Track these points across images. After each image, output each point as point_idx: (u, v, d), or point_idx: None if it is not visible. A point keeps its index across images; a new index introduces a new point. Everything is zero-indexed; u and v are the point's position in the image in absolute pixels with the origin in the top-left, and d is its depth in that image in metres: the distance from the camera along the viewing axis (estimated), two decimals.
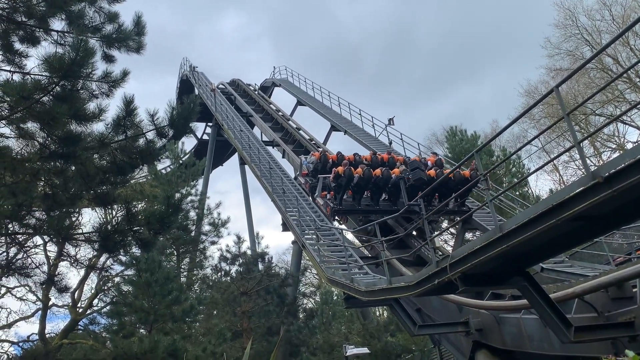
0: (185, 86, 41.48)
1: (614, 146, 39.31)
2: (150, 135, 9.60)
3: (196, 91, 36.88)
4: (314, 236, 16.78)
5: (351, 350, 15.27)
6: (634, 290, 11.22)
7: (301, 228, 17.76)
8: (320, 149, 23.23)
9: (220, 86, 38.51)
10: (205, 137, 42.62)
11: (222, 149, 39.97)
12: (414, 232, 19.44)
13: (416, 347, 22.26)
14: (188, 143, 48.96)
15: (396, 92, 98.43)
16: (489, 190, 9.15)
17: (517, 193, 24.80)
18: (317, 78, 49.22)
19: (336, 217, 19.22)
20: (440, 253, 18.46)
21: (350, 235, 22.92)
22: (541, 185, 63.16)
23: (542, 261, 13.88)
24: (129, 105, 8.86)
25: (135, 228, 8.78)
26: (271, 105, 34.46)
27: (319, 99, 32.21)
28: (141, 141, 9.67)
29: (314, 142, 28.21)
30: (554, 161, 39.75)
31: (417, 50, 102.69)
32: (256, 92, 38.08)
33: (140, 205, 15.18)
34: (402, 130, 24.02)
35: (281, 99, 69.96)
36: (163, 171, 22.84)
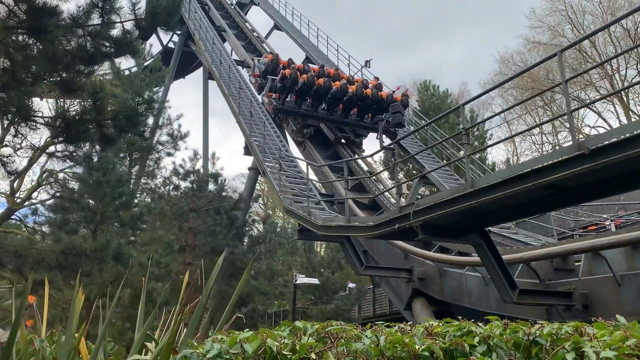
0: None
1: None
2: (129, 25, 8.92)
3: None
4: (277, 165, 16.57)
5: (301, 279, 15.54)
6: (577, 264, 11.79)
7: (264, 154, 17.49)
8: (274, 53, 24.18)
9: None
10: (170, 45, 40.68)
11: (187, 61, 38.22)
12: (343, 140, 21.31)
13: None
14: (153, 48, 46.56)
15: (369, 39, 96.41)
16: (468, 145, 9.14)
17: (477, 157, 25.27)
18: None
19: (278, 116, 21.26)
20: (393, 201, 18.84)
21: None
22: (495, 153, 64.69)
23: (503, 222, 14.30)
24: None
25: (101, 120, 8.24)
26: (247, 24, 33.00)
27: (297, 26, 31.11)
28: (116, 31, 8.98)
29: None
30: (512, 132, 40.65)
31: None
32: (232, 7, 36.27)
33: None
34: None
35: (258, 20, 67.10)
36: (127, 72, 21.71)
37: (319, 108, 20.96)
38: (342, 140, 21.78)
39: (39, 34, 7.65)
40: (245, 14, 36.35)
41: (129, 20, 8.77)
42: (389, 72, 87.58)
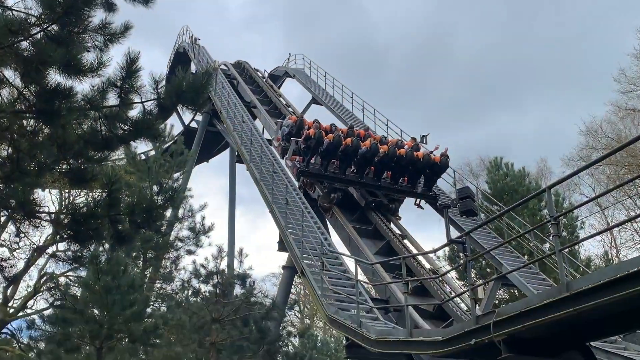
0: (180, 60, 41.08)
1: None
2: (149, 104, 9.33)
3: (193, 68, 36.77)
4: (318, 263, 16.50)
5: None
6: None
7: (302, 250, 17.49)
8: (298, 114, 26.44)
9: (223, 67, 38.48)
10: (193, 124, 42.36)
11: (211, 141, 39.66)
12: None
13: None
14: (174, 128, 48.56)
15: (422, 110, 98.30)
16: (559, 237, 8.92)
17: (567, 250, 24.57)
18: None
19: (302, 179, 22.64)
20: (465, 307, 18.28)
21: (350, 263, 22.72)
22: (588, 245, 62.68)
23: (609, 336, 13.58)
24: (132, 64, 8.61)
25: (115, 215, 8.48)
26: (280, 98, 34.33)
27: (339, 99, 32.12)
28: (134, 112, 9.41)
29: None
30: (609, 221, 39.62)
31: (451, 64, 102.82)
32: (264, 80, 38.06)
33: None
34: None
35: (293, 93, 69.45)
36: (143, 156, 22.60)
37: (347, 170, 22.33)
38: (375, 205, 22.64)
39: (49, 119, 8.10)
40: (279, 88, 37.96)
41: (150, 100, 9.22)
42: (446, 145, 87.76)
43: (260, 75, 39.29)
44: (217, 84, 30.42)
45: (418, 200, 23.42)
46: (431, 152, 22.81)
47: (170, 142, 22.71)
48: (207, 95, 9.67)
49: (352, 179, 22.38)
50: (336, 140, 21.47)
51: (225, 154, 41.40)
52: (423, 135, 24.19)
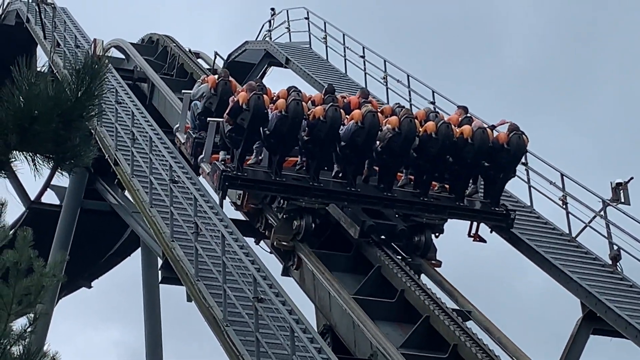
0: (11, 44, 22.51)
1: None
2: None
3: (42, 59, 20.57)
4: None
5: None
6: None
7: None
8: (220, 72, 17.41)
9: (112, 51, 21.39)
10: (50, 198, 23.23)
11: (96, 235, 21.65)
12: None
13: None
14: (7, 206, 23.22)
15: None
16: None
17: None
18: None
19: (232, 195, 14.92)
20: None
21: None
22: None
23: None
24: None
25: None
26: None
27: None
28: None
29: None
30: None
31: None
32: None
33: None
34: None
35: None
36: None
37: (324, 173, 14.58)
38: (381, 237, 14.70)
39: None
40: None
41: None
42: None
43: (207, 66, 22.31)
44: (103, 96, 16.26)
45: (475, 224, 15.02)
46: (493, 126, 14.99)
47: (3, 241, 10.24)
48: (89, 129, 4.16)
49: (333, 188, 14.63)
50: (293, 111, 13.76)
51: (133, 264, 23.15)
52: (620, 182, 14.48)
